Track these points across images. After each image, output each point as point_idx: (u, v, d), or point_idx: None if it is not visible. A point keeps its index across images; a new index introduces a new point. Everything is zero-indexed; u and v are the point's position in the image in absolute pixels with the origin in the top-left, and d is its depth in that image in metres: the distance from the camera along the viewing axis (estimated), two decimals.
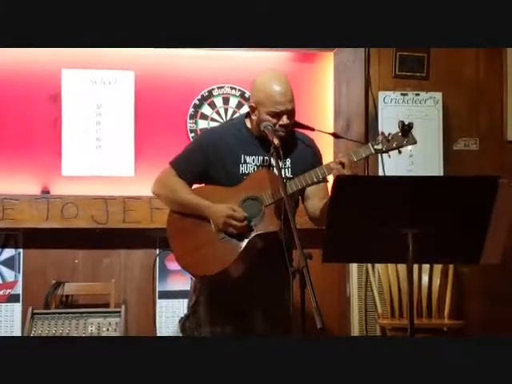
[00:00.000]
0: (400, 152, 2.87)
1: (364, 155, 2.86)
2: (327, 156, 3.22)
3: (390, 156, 2.87)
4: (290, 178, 2.93)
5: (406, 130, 2.83)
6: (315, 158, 3.08)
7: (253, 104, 2.96)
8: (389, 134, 2.86)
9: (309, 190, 3.01)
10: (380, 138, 2.86)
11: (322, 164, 3.05)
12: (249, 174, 2.96)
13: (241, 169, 2.98)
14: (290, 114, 2.91)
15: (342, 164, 2.79)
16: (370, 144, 2.88)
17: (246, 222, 2.86)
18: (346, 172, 2.77)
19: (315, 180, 2.88)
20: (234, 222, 2.85)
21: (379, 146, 2.85)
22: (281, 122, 2.89)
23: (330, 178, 3.05)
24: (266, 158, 2.98)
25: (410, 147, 2.90)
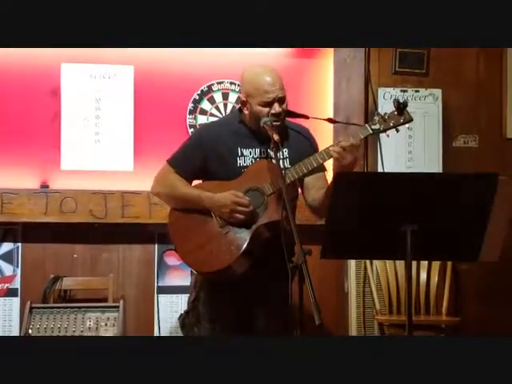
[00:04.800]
0: (398, 131, 2.88)
1: (362, 136, 2.87)
2: (327, 145, 3.21)
3: (388, 135, 2.88)
4: (288, 169, 2.92)
5: (401, 108, 2.85)
6: (312, 148, 3.08)
7: (243, 98, 2.97)
8: (385, 114, 2.87)
9: (307, 180, 3.01)
10: (377, 118, 2.87)
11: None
12: (247, 166, 2.97)
13: (239, 162, 2.98)
14: (281, 101, 2.92)
15: (343, 148, 2.78)
16: (367, 125, 2.89)
17: (252, 207, 2.85)
18: (348, 156, 2.76)
19: (315, 165, 2.88)
20: (241, 208, 2.85)
21: (377, 126, 2.86)
22: (273, 111, 2.90)
23: (329, 168, 3.06)
24: (263, 150, 2.98)
25: (407, 125, 2.91)
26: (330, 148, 2.86)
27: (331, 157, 2.85)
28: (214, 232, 2.90)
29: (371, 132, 2.86)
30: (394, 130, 2.88)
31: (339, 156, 2.78)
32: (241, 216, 2.85)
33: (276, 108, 2.90)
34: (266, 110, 2.90)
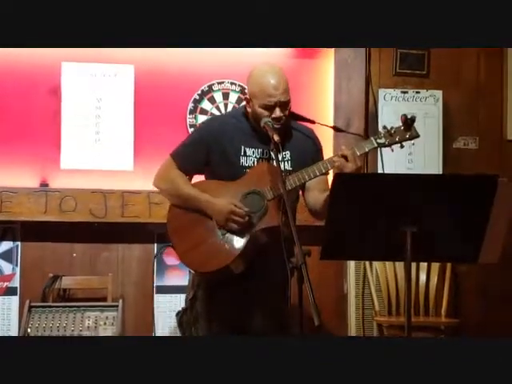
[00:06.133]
0: (402, 146, 2.86)
1: (367, 149, 2.85)
2: (327, 150, 3.21)
3: (392, 150, 2.86)
4: (289, 171, 2.92)
5: (408, 123, 2.81)
6: (315, 148, 3.08)
7: (247, 96, 2.98)
8: (391, 128, 2.84)
9: (309, 182, 2.99)
10: (382, 131, 2.85)
11: (322, 155, 3.06)
12: (249, 166, 2.96)
13: (241, 161, 2.98)
14: (284, 106, 2.90)
15: (345, 157, 2.78)
16: (372, 138, 2.86)
17: (247, 218, 2.85)
18: (350, 165, 2.75)
19: (318, 174, 2.87)
20: (236, 218, 2.84)
21: (382, 140, 2.83)
22: (273, 115, 2.89)
23: (330, 171, 3.06)
24: (265, 150, 2.97)
25: (412, 141, 2.88)
26: (334, 157, 2.85)
27: (334, 166, 2.83)
28: (212, 232, 2.90)
29: (376, 146, 2.84)
30: (398, 144, 2.86)
31: (340, 165, 2.77)
32: (235, 225, 2.85)
33: (277, 112, 2.89)
34: (266, 113, 2.89)
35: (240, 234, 2.86)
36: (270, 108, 2.89)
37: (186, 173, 3.03)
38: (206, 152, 3.00)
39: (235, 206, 2.85)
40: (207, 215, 2.91)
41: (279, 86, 2.88)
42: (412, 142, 2.87)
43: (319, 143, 3.12)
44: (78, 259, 4.39)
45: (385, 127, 2.85)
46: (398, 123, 2.85)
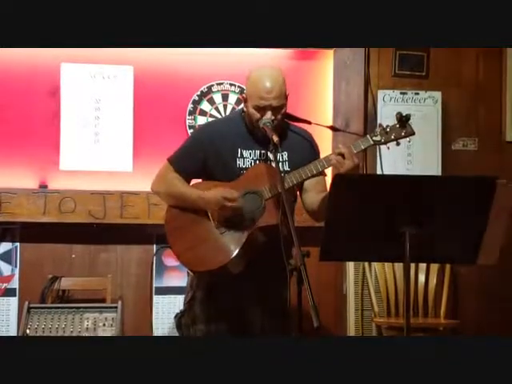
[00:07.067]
0: (398, 143, 2.89)
1: (363, 147, 2.87)
2: (326, 150, 3.22)
3: (388, 148, 2.88)
4: (287, 172, 2.93)
5: (403, 121, 2.85)
6: (313, 151, 3.08)
7: (244, 95, 3.00)
8: (387, 126, 2.87)
9: (307, 183, 3.00)
10: (378, 129, 2.88)
11: (319, 157, 3.06)
12: (246, 168, 2.97)
13: (238, 163, 2.98)
14: (276, 110, 2.91)
15: (342, 155, 2.79)
16: (368, 136, 2.89)
17: (239, 202, 2.84)
18: (347, 162, 2.77)
19: (314, 172, 2.89)
20: (228, 203, 2.84)
21: (378, 138, 2.86)
22: (264, 117, 2.90)
23: (329, 172, 3.07)
24: (262, 151, 2.98)
25: (408, 139, 2.90)
26: (330, 156, 2.86)
27: (331, 165, 2.85)
28: (210, 232, 2.90)
29: (372, 143, 2.87)
30: (394, 142, 2.88)
31: (338, 163, 2.78)
32: (228, 212, 2.84)
33: (268, 115, 2.90)
34: (258, 114, 2.91)
35: (238, 232, 2.86)
36: (262, 110, 2.90)
37: (183, 177, 3.03)
38: (203, 155, 3.00)
39: (225, 191, 2.85)
40: (206, 214, 2.91)
41: (272, 91, 2.89)
42: (408, 139, 2.90)
43: (317, 147, 3.13)
44: (77, 260, 4.39)
45: (380, 125, 2.89)
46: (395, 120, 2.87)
